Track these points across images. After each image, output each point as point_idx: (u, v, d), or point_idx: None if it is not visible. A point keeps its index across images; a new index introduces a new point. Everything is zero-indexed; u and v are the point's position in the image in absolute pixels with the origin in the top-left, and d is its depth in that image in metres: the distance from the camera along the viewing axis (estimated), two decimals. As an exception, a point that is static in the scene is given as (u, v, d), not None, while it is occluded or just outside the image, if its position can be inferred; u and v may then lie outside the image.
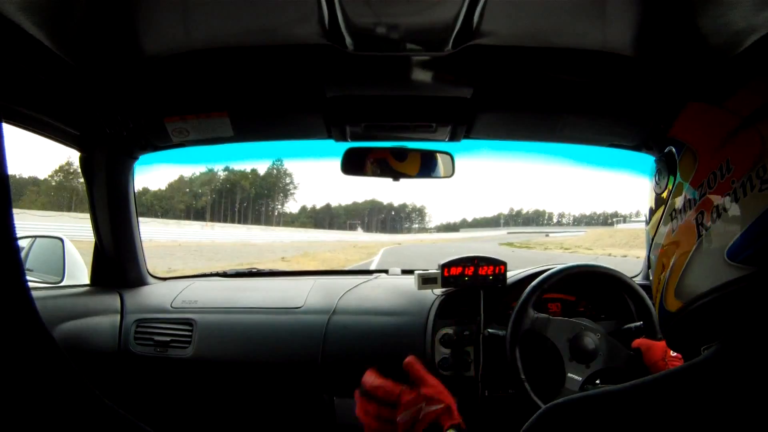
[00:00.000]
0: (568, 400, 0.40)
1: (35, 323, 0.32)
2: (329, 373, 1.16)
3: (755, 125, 0.39)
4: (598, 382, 1.00)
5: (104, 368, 1.17)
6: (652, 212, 0.53)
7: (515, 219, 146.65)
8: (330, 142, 1.21)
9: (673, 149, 0.48)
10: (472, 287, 1.19)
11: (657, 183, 0.51)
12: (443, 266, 1.18)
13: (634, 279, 1.13)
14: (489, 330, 1.13)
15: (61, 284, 1.39)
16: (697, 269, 0.42)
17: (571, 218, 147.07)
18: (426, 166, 1.19)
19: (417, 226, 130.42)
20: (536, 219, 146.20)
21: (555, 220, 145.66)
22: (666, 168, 0.49)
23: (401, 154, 1.17)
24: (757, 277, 0.37)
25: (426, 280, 1.18)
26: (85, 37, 0.77)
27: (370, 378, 0.68)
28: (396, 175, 1.18)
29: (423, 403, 0.71)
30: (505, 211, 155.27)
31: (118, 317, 1.22)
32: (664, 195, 0.49)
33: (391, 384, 0.68)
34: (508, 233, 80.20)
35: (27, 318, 0.32)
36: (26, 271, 0.34)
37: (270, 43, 0.81)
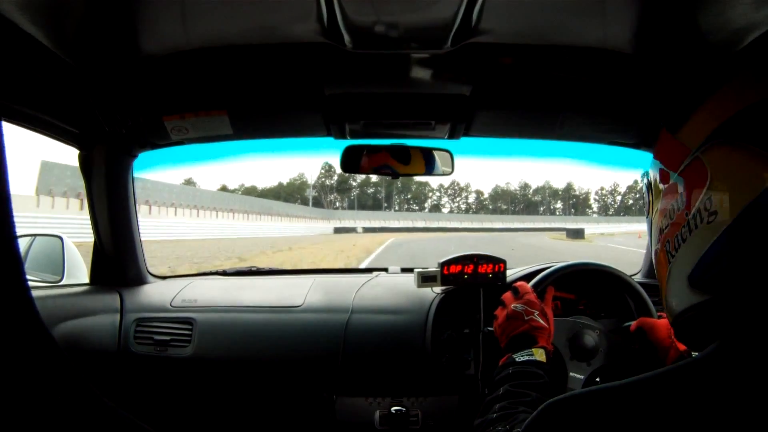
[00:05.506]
0: (570, 395, 0.40)
1: (35, 323, 0.32)
2: (329, 371, 1.16)
3: (700, 157, 0.40)
4: (598, 380, 1.00)
5: (104, 367, 1.17)
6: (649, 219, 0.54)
7: (363, 200, 79.00)
8: (329, 139, 1.21)
9: (656, 173, 0.50)
10: (471, 285, 1.19)
11: (645, 203, 0.53)
12: (443, 264, 1.18)
13: (633, 277, 1.13)
14: (488, 328, 1.13)
15: (61, 283, 1.39)
16: (671, 292, 0.45)
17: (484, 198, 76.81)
18: (429, 165, 1.19)
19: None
20: (419, 199, 78.04)
21: (448, 206, 73.95)
22: (648, 192, 0.51)
23: (404, 157, 1.17)
24: (713, 304, 0.39)
25: (426, 279, 1.18)
26: (83, 36, 0.77)
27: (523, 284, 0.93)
28: (395, 174, 1.18)
29: (537, 312, 0.87)
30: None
31: (118, 316, 1.22)
32: (650, 215, 0.51)
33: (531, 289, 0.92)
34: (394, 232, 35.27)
35: (27, 317, 0.32)
36: (25, 270, 0.34)
37: (269, 42, 0.81)
